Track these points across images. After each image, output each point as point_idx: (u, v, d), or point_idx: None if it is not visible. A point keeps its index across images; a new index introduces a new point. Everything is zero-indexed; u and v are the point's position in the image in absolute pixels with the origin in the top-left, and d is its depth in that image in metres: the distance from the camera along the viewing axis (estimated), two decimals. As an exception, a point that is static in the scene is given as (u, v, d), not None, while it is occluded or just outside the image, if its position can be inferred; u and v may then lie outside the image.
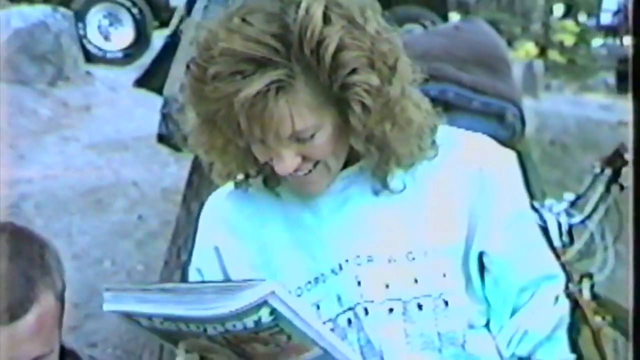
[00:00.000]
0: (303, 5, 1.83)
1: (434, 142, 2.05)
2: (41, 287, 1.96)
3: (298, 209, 2.08)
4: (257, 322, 1.71)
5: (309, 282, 2.05)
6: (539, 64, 13.94)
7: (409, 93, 1.97)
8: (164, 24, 11.11)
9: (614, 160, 4.27)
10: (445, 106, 5.95)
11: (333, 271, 2.04)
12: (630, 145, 1.56)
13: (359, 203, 2.06)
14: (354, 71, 1.86)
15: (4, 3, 11.70)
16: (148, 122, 5.97)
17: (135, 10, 11.79)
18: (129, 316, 1.81)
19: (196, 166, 5.67)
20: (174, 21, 5.36)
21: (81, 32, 11.29)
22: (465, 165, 2.06)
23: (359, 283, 2.01)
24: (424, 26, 11.50)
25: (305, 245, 2.07)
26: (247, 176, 2.11)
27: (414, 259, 2.02)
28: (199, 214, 5.67)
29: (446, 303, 2.02)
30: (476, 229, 2.05)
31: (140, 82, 5.50)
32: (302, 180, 1.99)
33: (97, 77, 9.70)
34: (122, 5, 11.76)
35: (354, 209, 2.05)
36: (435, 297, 2.01)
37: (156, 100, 5.48)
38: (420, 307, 2.01)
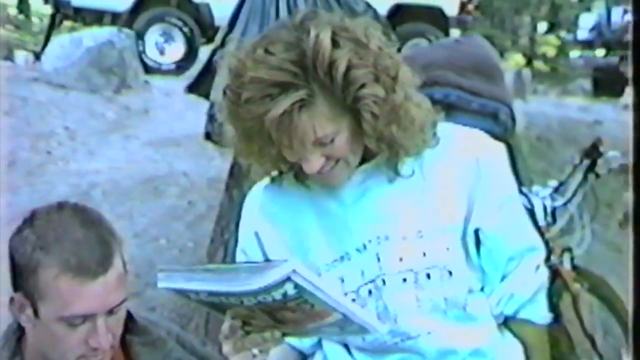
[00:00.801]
0: (313, 33, 1.89)
1: (435, 134, 2.08)
2: (115, 248, 2.01)
3: (325, 198, 2.10)
4: (284, 295, 1.76)
5: (335, 260, 2.09)
6: (526, 72, 13.89)
7: (410, 96, 2.01)
8: (210, 40, 11.11)
9: (591, 153, 4.32)
10: (449, 107, 5.96)
11: (358, 250, 2.07)
12: (630, 146, 1.54)
13: (376, 192, 2.08)
14: (362, 86, 1.92)
15: (78, 26, 11.74)
16: (196, 123, 5.95)
17: (185, 29, 11.77)
18: (179, 292, 1.87)
19: (237, 160, 5.67)
20: (219, 37, 5.36)
21: (141, 48, 11.30)
22: (464, 156, 2.09)
23: (378, 259, 2.06)
24: (429, 40, 11.47)
25: (332, 229, 2.10)
26: (280, 173, 2.14)
27: (422, 236, 2.06)
28: (240, 200, 5.66)
29: (450, 273, 2.06)
30: (473, 210, 2.09)
31: (191, 89, 5.50)
32: (326, 175, 2.02)
33: (154, 86, 9.69)
34: (175, 25, 11.74)
35: (373, 196, 2.08)
36: (441, 268, 2.06)
37: (204, 104, 5.48)
38: (428, 276, 2.05)
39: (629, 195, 1.79)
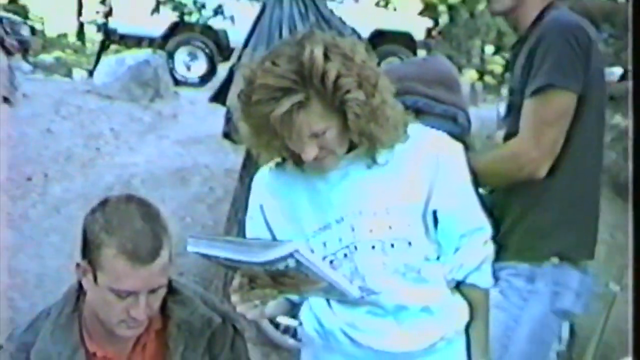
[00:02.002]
0: (308, 48, 1.94)
1: (405, 132, 2.10)
2: (164, 242, 2.02)
3: (315, 179, 2.12)
4: (286, 267, 1.84)
5: (320, 228, 2.10)
6: (478, 85, 13.90)
7: (387, 100, 2.04)
8: (226, 58, 11.11)
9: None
10: (417, 111, 5.90)
11: (337, 221, 2.09)
12: (630, 149, 1.49)
13: (355, 176, 2.10)
14: (348, 91, 1.96)
15: (122, 49, 11.74)
16: (216, 125, 5.95)
17: (207, 50, 11.75)
18: (204, 255, 1.91)
19: (248, 155, 5.64)
20: (235, 56, 5.35)
21: (171, 65, 11.31)
22: (427, 151, 2.11)
23: (352, 229, 2.08)
24: (401, 58, 11.46)
25: (319, 204, 2.12)
26: (283, 160, 2.16)
27: (389, 213, 2.08)
28: (250, 186, 5.62)
29: (410, 243, 2.09)
30: (432, 195, 2.10)
31: (213, 99, 5.52)
32: (319, 162, 2.04)
33: (181, 96, 9.68)
34: (199, 47, 11.73)
35: (352, 179, 2.10)
36: (402, 239, 2.08)
37: (221, 110, 5.46)
38: (392, 245, 2.08)
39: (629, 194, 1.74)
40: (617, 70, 11.65)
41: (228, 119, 5.23)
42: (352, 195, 2.09)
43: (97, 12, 11.39)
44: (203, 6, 6.89)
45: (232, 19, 6.84)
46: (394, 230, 2.07)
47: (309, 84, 1.93)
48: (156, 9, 6.86)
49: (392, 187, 2.09)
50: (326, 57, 1.94)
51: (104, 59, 11.09)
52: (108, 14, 11.97)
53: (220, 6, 6.88)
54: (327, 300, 2.15)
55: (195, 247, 1.91)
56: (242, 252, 1.86)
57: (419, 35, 12.64)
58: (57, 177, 7.04)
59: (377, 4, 13.54)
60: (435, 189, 2.10)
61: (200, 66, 11.91)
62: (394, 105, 2.07)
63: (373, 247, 2.07)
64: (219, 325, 2.21)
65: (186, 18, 7.13)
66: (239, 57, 5.21)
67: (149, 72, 9.28)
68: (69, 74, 12.97)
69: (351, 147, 2.08)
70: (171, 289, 2.16)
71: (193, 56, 11.87)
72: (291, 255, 1.81)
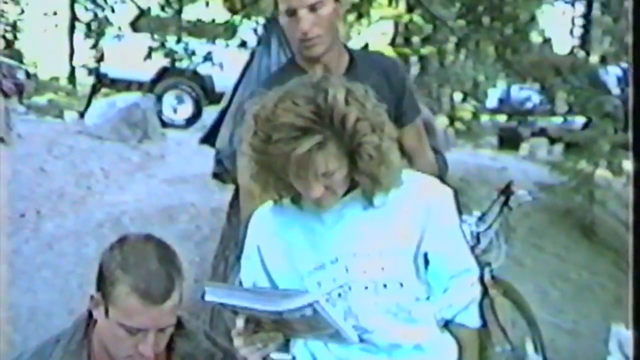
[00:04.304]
0: (331, 92, 1.92)
1: (399, 177, 2.08)
2: (177, 285, 2.02)
3: (312, 220, 2.09)
4: (302, 315, 1.85)
5: (315, 268, 2.07)
6: (450, 130, 13.98)
7: (391, 145, 2.03)
8: (212, 102, 11.13)
9: (505, 191, 4.37)
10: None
11: (332, 262, 2.06)
12: (630, 151, 1.49)
13: (350, 218, 2.08)
14: (364, 135, 1.95)
15: (112, 92, 11.76)
16: (201, 165, 5.94)
17: (193, 94, 11.82)
18: (221, 304, 1.92)
19: (236, 194, 5.63)
20: (224, 100, 5.35)
21: (159, 108, 11.34)
22: (419, 197, 2.10)
23: (347, 270, 2.05)
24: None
25: (314, 244, 2.08)
26: (280, 198, 2.12)
27: (382, 255, 2.05)
28: (237, 226, 5.57)
29: (401, 284, 2.07)
30: (424, 238, 2.09)
31: (203, 140, 5.51)
32: (319, 200, 2.01)
33: (169, 137, 9.70)
34: (185, 91, 11.79)
35: (347, 221, 2.08)
36: (395, 280, 2.06)
37: (206, 151, 5.46)
38: (385, 286, 2.06)
39: (629, 202, 1.74)
40: (580, 119, 11.78)
41: (218, 160, 5.22)
42: (347, 236, 2.07)
43: (90, 57, 11.40)
44: (193, 53, 6.90)
45: (220, 65, 6.85)
46: (387, 272, 2.06)
47: (328, 125, 1.91)
48: (149, 55, 6.86)
49: (385, 230, 2.07)
50: (346, 101, 1.94)
51: (95, 102, 11.11)
52: (100, 59, 11.98)
53: (209, 53, 6.90)
54: None
55: (214, 297, 1.89)
56: (261, 301, 1.85)
57: (394, 83, 12.72)
58: (50, 215, 6.99)
59: (354, 53, 13.57)
60: (426, 232, 2.09)
61: (186, 109, 11.95)
62: (396, 150, 2.07)
63: (366, 287, 2.05)
64: None
65: (176, 64, 7.13)
66: (229, 102, 5.22)
67: (138, 114, 9.30)
68: (61, 116, 12.95)
69: (348, 189, 2.06)
70: (177, 323, 2.14)
71: (180, 99, 11.92)
72: (310, 305, 1.81)
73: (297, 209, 2.11)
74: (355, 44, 13.56)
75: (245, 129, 2.00)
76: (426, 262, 2.12)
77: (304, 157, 1.90)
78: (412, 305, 2.09)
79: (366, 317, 2.06)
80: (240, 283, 5.20)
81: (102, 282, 2.03)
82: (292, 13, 2.68)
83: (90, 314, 2.13)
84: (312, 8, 2.66)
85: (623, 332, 3.93)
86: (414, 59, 15.80)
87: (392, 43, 14.91)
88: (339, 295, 2.06)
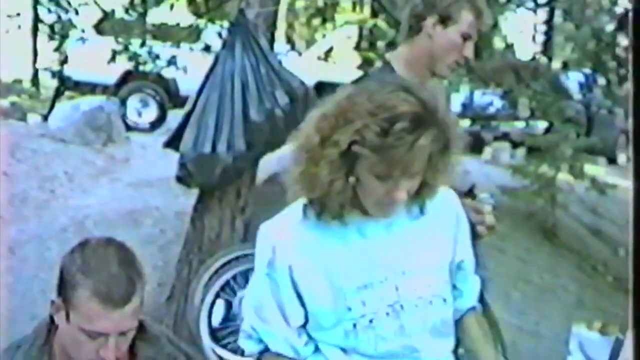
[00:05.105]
0: (430, 90, 1.93)
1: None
2: (137, 288, 1.99)
3: (354, 234, 1.96)
4: None
5: (360, 287, 1.94)
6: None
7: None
8: (176, 106, 11.09)
9: (469, 194, 4.37)
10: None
11: (380, 281, 1.95)
12: (630, 151, 1.48)
13: (399, 229, 1.98)
14: (454, 139, 1.87)
15: (76, 95, 11.67)
16: (165, 168, 5.92)
17: (158, 98, 11.77)
18: None
19: (199, 198, 5.61)
20: (189, 103, 5.33)
21: (123, 112, 11.29)
22: (448, 204, 2.06)
23: (397, 288, 1.96)
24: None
25: (359, 262, 1.96)
26: (304, 212, 1.97)
27: (429, 271, 1.99)
28: (202, 230, 5.52)
29: (444, 300, 2.02)
30: (457, 247, 2.07)
31: (167, 144, 5.49)
32: (391, 208, 1.91)
33: (133, 140, 9.64)
34: (150, 94, 11.74)
35: (396, 234, 1.98)
36: (439, 296, 2.01)
37: (170, 155, 5.44)
38: (431, 302, 1.99)
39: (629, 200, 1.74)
40: (542, 124, 11.90)
41: (182, 164, 5.20)
42: (395, 253, 1.97)
43: (53, 60, 11.31)
44: (157, 57, 6.87)
45: (184, 69, 6.83)
46: (433, 288, 2.00)
47: (434, 121, 1.80)
48: (112, 59, 6.81)
49: (429, 243, 2.01)
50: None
51: (59, 105, 11.00)
52: (63, 61, 11.88)
53: (174, 57, 6.88)
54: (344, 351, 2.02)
55: None
56: None
57: (359, 88, 12.78)
58: (12, 219, 6.91)
59: (319, 58, 13.60)
60: (458, 241, 2.06)
61: (150, 113, 11.90)
62: None
63: (416, 305, 1.97)
64: None
65: (140, 67, 7.08)
66: (194, 106, 5.20)
67: (102, 117, 9.23)
68: (24, 119, 12.79)
69: None
70: (139, 327, 2.12)
71: (144, 103, 11.86)
72: None
73: (338, 222, 1.94)
74: (320, 47, 13.58)
75: (331, 122, 1.85)
76: (456, 269, 2.09)
77: (418, 151, 1.78)
78: (450, 319, 2.05)
79: (417, 336, 1.98)
80: (205, 292, 5.16)
81: (63, 286, 2.01)
82: (466, 37, 2.91)
83: (52, 320, 2.10)
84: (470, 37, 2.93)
85: (584, 333, 3.98)
86: (378, 63, 15.84)
87: (357, 47, 14.95)
88: (387, 314, 1.95)
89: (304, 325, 2.00)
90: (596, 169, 10.69)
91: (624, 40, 10.05)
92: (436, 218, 2.02)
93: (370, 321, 1.94)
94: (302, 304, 1.97)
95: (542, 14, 16.93)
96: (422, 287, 1.98)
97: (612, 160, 14.28)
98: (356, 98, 1.84)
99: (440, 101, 1.85)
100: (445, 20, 2.90)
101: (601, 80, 12.80)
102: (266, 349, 2.03)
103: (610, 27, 10.60)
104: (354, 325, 1.94)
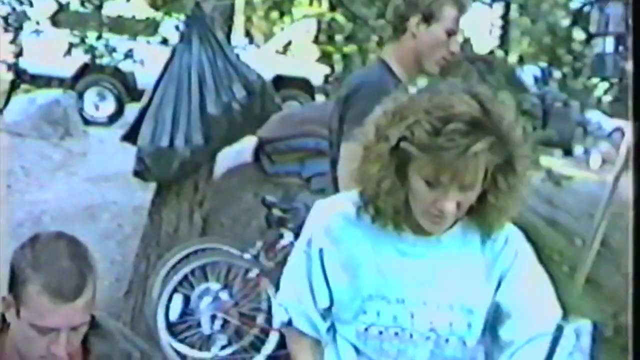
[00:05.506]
0: (488, 92, 1.72)
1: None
2: (89, 282, 1.95)
3: (387, 244, 1.86)
4: None
5: (378, 296, 1.86)
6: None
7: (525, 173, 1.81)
8: (134, 99, 10.98)
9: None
10: (319, 153, 5.91)
11: (397, 301, 1.84)
12: (630, 151, 1.44)
13: (441, 252, 1.85)
14: (519, 146, 1.71)
15: (33, 88, 11.52)
16: (124, 163, 5.86)
17: (115, 91, 11.63)
18: None
19: (157, 192, 5.58)
20: (145, 98, 5.30)
21: (80, 105, 11.16)
22: (510, 247, 1.90)
23: (412, 316, 1.85)
24: (301, 102, 11.55)
25: (383, 272, 1.86)
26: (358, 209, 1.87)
27: (453, 309, 1.85)
28: (159, 224, 5.48)
29: (464, 343, 1.87)
30: (502, 287, 1.89)
31: (124, 138, 5.45)
32: (439, 220, 1.76)
33: (90, 134, 9.54)
34: (107, 88, 11.60)
35: (436, 256, 1.84)
36: (459, 337, 1.86)
37: (129, 149, 5.39)
38: (447, 341, 1.86)
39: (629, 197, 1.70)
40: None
41: (139, 158, 5.17)
42: (420, 277, 1.84)
43: (8, 52, 11.15)
44: (114, 50, 6.78)
45: (141, 62, 6.76)
46: (453, 328, 1.85)
47: (492, 128, 1.65)
48: (68, 52, 6.72)
49: (469, 279, 1.85)
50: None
51: (15, 98, 10.83)
52: (18, 54, 11.70)
53: (130, 50, 6.80)
54: (357, 350, 1.95)
55: None
56: None
57: (317, 81, 12.78)
58: (-32, 214, 6.82)
59: (278, 51, 13.58)
60: (506, 281, 1.86)
61: (108, 106, 11.77)
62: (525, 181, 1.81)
63: (428, 337, 1.86)
64: None
65: (97, 61, 6.99)
66: (150, 99, 5.17)
67: (59, 111, 9.13)
68: (-22, 113, 12.64)
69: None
70: (93, 323, 2.09)
71: (102, 97, 11.72)
72: None
73: (393, 228, 1.84)
74: (278, 41, 13.55)
75: (388, 118, 1.75)
76: (499, 314, 1.88)
77: (471, 159, 1.63)
78: None
79: None
80: (163, 287, 5.13)
81: (14, 282, 1.97)
82: (450, 33, 2.92)
83: (3, 318, 2.06)
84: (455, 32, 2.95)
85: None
86: (337, 56, 15.85)
87: (316, 40, 14.94)
88: (396, 334, 1.86)
89: (329, 309, 1.95)
90: (552, 160, 10.79)
91: (579, 35, 10.18)
92: (488, 253, 1.85)
93: (380, 332, 1.87)
94: (329, 288, 1.92)
95: (499, 8, 17.05)
96: (439, 323, 1.85)
97: (567, 152, 14.45)
98: (417, 96, 1.73)
99: (507, 113, 1.68)
100: (428, 18, 2.90)
101: (557, 74, 12.96)
102: (290, 322, 2.00)
103: (565, 22, 10.73)
104: (366, 329, 1.88)
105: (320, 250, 1.90)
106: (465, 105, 1.64)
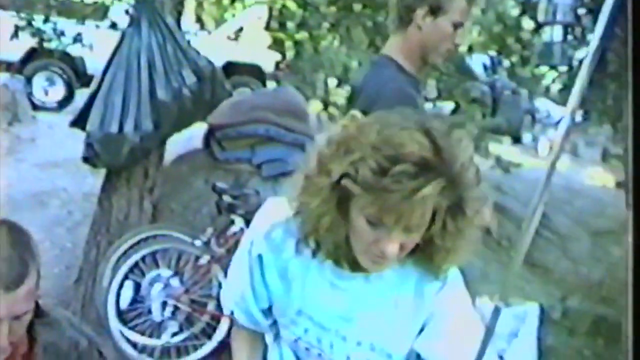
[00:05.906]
0: (456, 134, 1.57)
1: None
2: (31, 266, 1.89)
3: (323, 270, 1.78)
4: None
5: (306, 314, 1.82)
6: (323, 115, 14.07)
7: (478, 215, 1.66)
8: (83, 84, 10.83)
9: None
10: (269, 139, 5.88)
11: (321, 326, 1.82)
12: (630, 150, 1.39)
13: (369, 292, 1.77)
14: (470, 189, 1.56)
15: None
16: (73, 149, 5.78)
17: (65, 76, 11.44)
18: None
19: (107, 179, 5.51)
20: (94, 83, 5.22)
21: (29, 90, 10.97)
22: (443, 295, 1.79)
23: (331, 346, 1.83)
24: (252, 89, 11.50)
25: (315, 296, 1.81)
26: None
27: (374, 350, 1.79)
28: (109, 210, 5.43)
29: None
30: (423, 335, 1.81)
31: (73, 123, 5.37)
32: (380, 260, 1.64)
33: (39, 120, 9.42)
34: (56, 72, 11.40)
35: (352, 296, 1.78)
36: None
37: (79, 134, 5.32)
38: None
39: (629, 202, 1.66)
40: (449, 105, 12.08)
41: (88, 144, 5.10)
42: (344, 312, 1.79)
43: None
44: (62, 33, 6.66)
45: (90, 46, 6.66)
46: None
47: (444, 169, 1.50)
48: (15, 35, 6.58)
49: (388, 321, 1.78)
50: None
51: (-40, 83, 10.65)
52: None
53: (79, 34, 6.68)
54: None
55: None
56: None
57: (268, 67, 12.75)
58: None
59: (229, 37, 13.48)
60: (424, 333, 1.79)
61: (58, 91, 11.57)
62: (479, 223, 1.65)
63: None
64: (85, 349, 2.11)
65: (45, 44, 6.86)
66: (99, 84, 5.10)
67: (7, 96, 8.99)
68: None
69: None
70: (38, 312, 2.05)
71: (51, 81, 11.52)
72: None
73: (333, 264, 1.77)
74: (229, 27, 13.46)
75: (332, 149, 1.63)
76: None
77: (418, 202, 1.49)
78: None
79: None
80: (114, 274, 5.07)
81: None
82: (457, 25, 2.86)
83: None
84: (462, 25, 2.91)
85: (484, 307, 4.04)
86: (289, 43, 15.81)
87: (267, 27, 14.87)
88: (319, 355, 1.84)
89: (270, 310, 1.94)
90: (501, 148, 10.91)
91: (528, 24, 10.27)
92: (419, 296, 1.77)
93: (307, 349, 1.85)
94: (268, 291, 1.89)
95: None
96: (356, 359, 1.80)
97: (516, 140, 14.62)
98: (366, 127, 1.57)
99: (461, 154, 1.53)
100: (435, 10, 2.85)
101: (506, 62, 13.07)
102: (233, 314, 1.99)
103: (515, 11, 10.81)
104: (295, 340, 1.87)
105: (259, 256, 1.85)
106: (416, 145, 1.49)
